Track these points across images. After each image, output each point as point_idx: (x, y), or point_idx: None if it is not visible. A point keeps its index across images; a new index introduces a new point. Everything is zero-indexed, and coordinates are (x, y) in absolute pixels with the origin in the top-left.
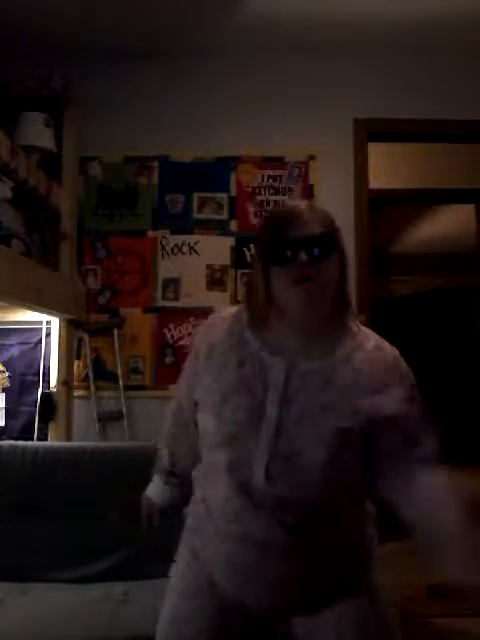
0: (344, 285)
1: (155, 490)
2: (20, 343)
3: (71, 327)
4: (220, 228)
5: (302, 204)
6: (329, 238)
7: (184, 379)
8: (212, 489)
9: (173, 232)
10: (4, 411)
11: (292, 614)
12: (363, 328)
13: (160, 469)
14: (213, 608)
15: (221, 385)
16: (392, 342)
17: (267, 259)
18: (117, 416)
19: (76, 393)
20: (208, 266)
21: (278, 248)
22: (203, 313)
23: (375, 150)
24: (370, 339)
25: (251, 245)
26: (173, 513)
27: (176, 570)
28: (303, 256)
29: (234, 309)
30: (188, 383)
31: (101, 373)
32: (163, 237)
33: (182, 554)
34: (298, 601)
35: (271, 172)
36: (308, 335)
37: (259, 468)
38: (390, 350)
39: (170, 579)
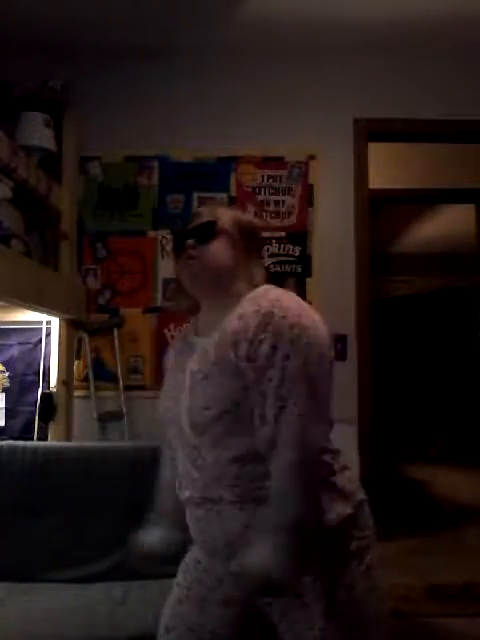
0: (246, 262)
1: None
2: (20, 343)
3: (71, 327)
4: None
5: (204, 208)
6: (209, 225)
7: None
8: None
9: (173, 232)
10: (4, 411)
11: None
12: (264, 293)
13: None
14: (195, 586)
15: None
16: (392, 342)
17: (174, 255)
18: (117, 416)
19: (76, 393)
20: None
21: (174, 242)
22: None
23: (375, 150)
24: (257, 302)
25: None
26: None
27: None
28: (189, 242)
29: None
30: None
31: (101, 373)
32: (163, 237)
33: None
34: None
35: (271, 172)
36: (212, 310)
37: (184, 420)
38: (267, 308)
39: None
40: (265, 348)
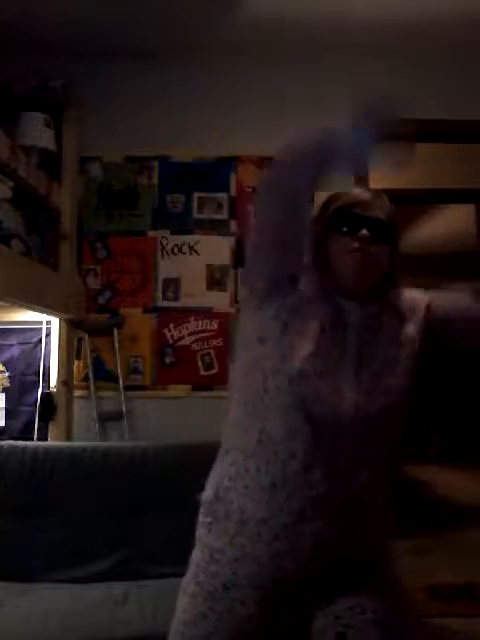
0: (393, 274)
1: None
2: (20, 343)
3: (71, 327)
4: (220, 228)
5: (367, 192)
6: (391, 227)
7: None
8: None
9: (173, 232)
10: (4, 411)
11: (310, 601)
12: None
13: None
14: (225, 610)
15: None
16: None
17: (330, 227)
18: (117, 416)
19: (76, 393)
20: (208, 266)
21: (346, 219)
22: (203, 313)
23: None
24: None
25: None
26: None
27: (190, 575)
28: (365, 232)
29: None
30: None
31: (101, 373)
32: (163, 237)
33: (197, 557)
34: (329, 573)
35: None
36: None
37: (348, 400)
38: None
39: (183, 581)
40: None
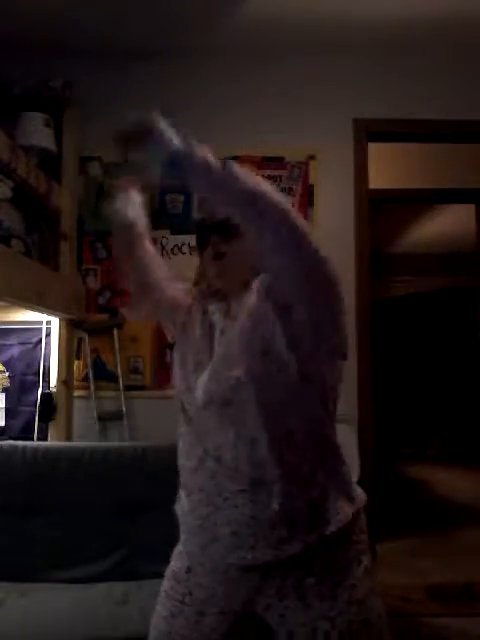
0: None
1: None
2: (20, 343)
3: (71, 327)
4: None
5: None
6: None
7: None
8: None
9: (173, 232)
10: (4, 411)
11: (261, 592)
12: None
13: None
14: (188, 600)
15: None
16: (392, 341)
17: (198, 247)
18: (117, 416)
19: (76, 393)
20: None
21: (199, 235)
22: None
23: (375, 150)
24: None
25: None
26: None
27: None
28: (215, 237)
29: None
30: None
31: (101, 373)
32: (163, 237)
33: (174, 554)
34: (264, 560)
35: (271, 172)
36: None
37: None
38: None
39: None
40: None
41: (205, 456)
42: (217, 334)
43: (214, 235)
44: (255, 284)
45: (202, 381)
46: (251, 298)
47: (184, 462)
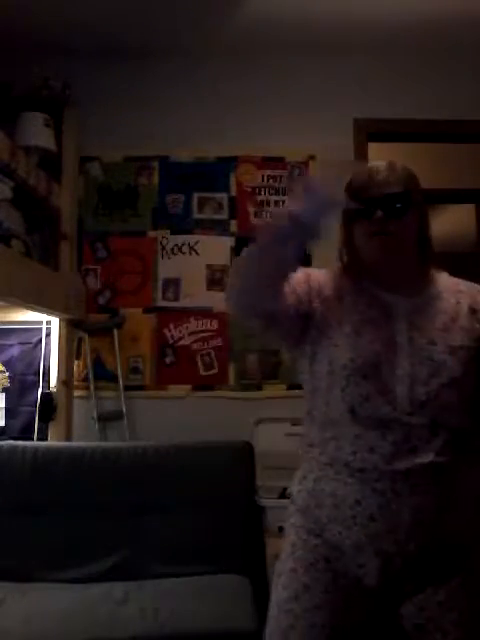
0: (425, 238)
1: None
2: (20, 343)
3: (71, 327)
4: (220, 228)
5: (382, 164)
6: (405, 196)
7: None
8: (335, 438)
9: (173, 232)
10: (4, 411)
11: (409, 584)
12: (444, 274)
13: None
14: (329, 581)
15: (354, 321)
16: None
17: (348, 216)
18: (117, 416)
19: (76, 393)
20: (208, 266)
21: (357, 210)
22: (203, 313)
23: (376, 150)
24: (452, 280)
25: None
26: None
27: (284, 556)
28: (379, 213)
29: (325, 271)
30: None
31: (101, 373)
32: (163, 237)
33: (291, 539)
34: (427, 553)
35: (271, 172)
36: (393, 283)
37: (402, 393)
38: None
39: (276, 569)
40: None
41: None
42: (404, 328)
43: (380, 210)
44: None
45: (404, 387)
46: (460, 309)
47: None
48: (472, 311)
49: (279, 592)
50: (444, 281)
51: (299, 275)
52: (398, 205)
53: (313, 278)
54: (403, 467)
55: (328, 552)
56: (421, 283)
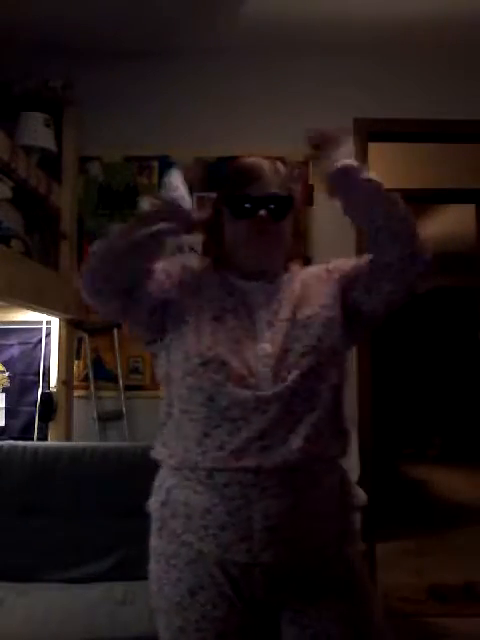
0: (298, 233)
1: None
2: (20, 343)
3: (71, 327)
4: None
5: (265, 162)
6: (287, 201)
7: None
8: (185, 437)
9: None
10: (4, 411)
11: (286, 589)
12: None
13: None
14: (200, 619)
15: (212, 308)
16: (392, 341)
17: (231, 212)
18: (117, 416)
19: (76, 393)
20: None
21: (241, 204)
22: None
23: (376, 150)
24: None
25: None
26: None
27: (154, 586)
28: (263, 213)
29: (187, 260)
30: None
31: (101, 373)
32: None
33: (155, 569)
34: (296, 557)
35: None
36: (254, 273)
37: (265, 375)
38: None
39: (152, 599)
40: None
41: None
42: (262, 315)
43: (261, 211)
44: (326, 274)
45: (268, 369)
46: (321, 289)
47: None
48: (328, 272)
49: (162, 633)
50: (296, 268)
51: (158, 264)
52: (280, 207)
53: (170, 266)
54: (253, 465)
55: (190, 583)
56: (279, 272)
